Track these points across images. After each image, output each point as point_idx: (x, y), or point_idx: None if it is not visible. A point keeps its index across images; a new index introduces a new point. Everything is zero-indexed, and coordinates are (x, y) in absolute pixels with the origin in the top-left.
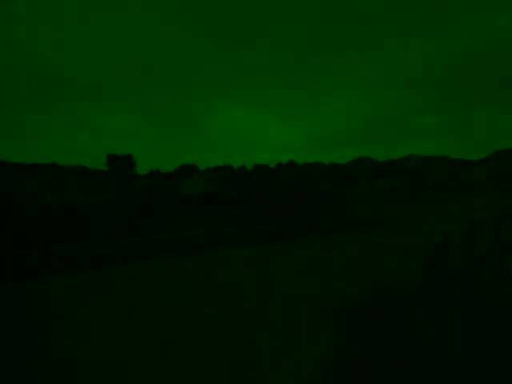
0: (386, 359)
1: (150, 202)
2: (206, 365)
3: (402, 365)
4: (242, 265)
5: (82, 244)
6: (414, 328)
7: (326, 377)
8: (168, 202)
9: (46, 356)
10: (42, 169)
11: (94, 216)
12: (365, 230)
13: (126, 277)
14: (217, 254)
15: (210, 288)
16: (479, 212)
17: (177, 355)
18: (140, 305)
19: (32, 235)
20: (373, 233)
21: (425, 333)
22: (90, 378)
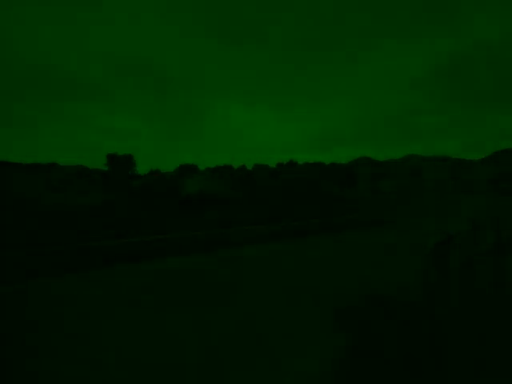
0: (388, 357)
1: (149, 202)
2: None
3: (405, 363)
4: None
5: (82, 244)
6: (415, 327)
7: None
8: (167, 202)
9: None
10: (42, 169)
11: (93, 216)
12: (364, 231)
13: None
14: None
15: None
16: (479, 212)
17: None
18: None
19: (30, 235)
20: (372, 233)
21: (426, 332)
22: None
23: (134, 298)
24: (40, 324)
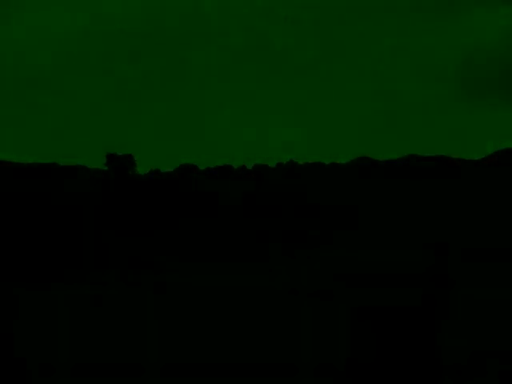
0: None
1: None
2: None
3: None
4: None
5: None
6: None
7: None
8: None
9: None
10: (42, 169)
11: (93, 215)
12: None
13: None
14: None
15: None
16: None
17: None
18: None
19: (37, 236)
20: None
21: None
22: None
23: None
24: None
